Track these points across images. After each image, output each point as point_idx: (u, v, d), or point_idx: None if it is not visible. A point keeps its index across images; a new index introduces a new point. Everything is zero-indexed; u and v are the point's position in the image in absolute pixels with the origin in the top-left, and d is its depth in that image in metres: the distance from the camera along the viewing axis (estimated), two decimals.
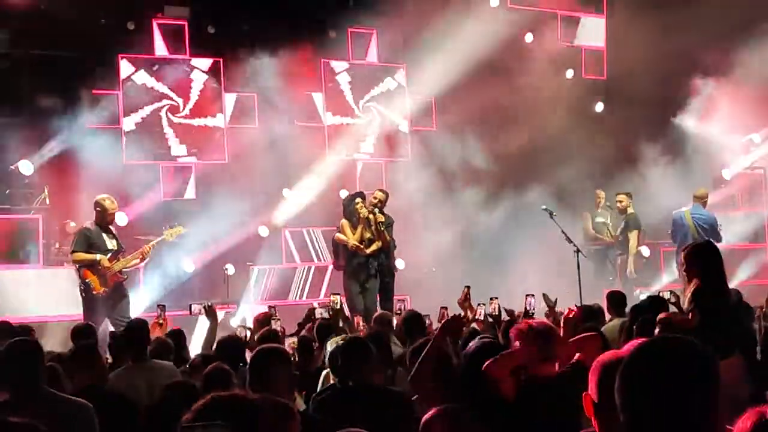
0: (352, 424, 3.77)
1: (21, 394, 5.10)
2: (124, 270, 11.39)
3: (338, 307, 9.65)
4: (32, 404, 4.88)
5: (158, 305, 9.95)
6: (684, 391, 2.24)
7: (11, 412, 3.95)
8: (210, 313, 9.00)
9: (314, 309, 9.97)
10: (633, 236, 15.25)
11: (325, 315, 9.72)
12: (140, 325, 7.76)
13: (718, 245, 8.41)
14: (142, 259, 11.69)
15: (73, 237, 11.65)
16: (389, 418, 4.77)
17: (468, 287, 10.32)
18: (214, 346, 7.71)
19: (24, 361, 5.21)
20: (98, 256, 11.15)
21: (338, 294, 10.20)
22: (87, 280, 11.14)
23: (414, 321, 8.65)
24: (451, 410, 4.52)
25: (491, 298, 9.81)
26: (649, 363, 2.30)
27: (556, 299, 10.02)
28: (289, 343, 8.69)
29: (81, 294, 11.28)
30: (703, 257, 6.89)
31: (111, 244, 11.35)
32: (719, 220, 15.21)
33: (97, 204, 11.41)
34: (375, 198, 13.08)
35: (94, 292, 11.10)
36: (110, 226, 11.50)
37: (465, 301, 10.07)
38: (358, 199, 12.99)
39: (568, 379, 4.45)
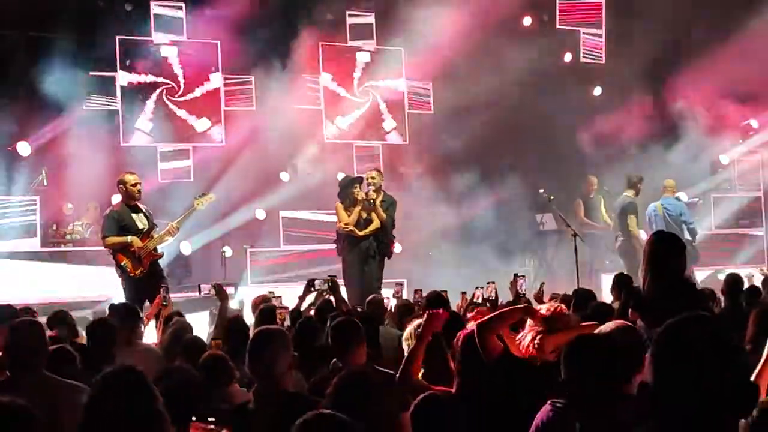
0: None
1: (20, 375, 5.11)
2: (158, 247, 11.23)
3: (329, 287, 9.61)
4: (31, 386, 4.89)
5: (161, 286, 9.91)
6: (708, 363, 2.46)
7: (8, 392, 3.95)
8: (220, 293, 8.99)
9: (314, 280, 9.94)
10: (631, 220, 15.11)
11: (324, 287, 9.73)
12: (130, 307, 7.76)
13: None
14: (173, 234, 11.44)
15: (103, 222, 11.48)
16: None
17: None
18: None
19: (23, 343, 5.22)
20: (129, 238, 10.93)
21: (334, 276, 10.15)
22: (122, 264, 10.95)
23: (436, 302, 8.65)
24: (440, 396, 4.53)
25: (488, 282, 9.82)
26: (679, 337, 2.53)
27: (543, 283, 10.05)
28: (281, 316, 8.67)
29: (119, 278, 11.12)
30: (651, 248, 6.77)
31: (141, 223, 11.11)
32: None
33: (119, 182, 11.21)
34: (372, 179, 13.03)
35: (131, 275, 10.93)
36: (138, 204, 11.29)
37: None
38: (357, 185, 12.93)
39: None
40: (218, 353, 6.33)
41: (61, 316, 8.28)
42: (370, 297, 10.10)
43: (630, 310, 6.73)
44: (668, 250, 6.65)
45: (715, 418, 2.43)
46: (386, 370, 5.66)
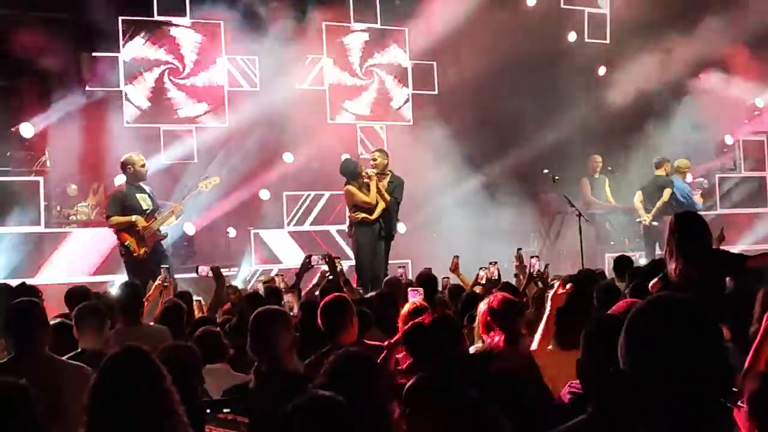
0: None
1: (20, 355, 5.10)
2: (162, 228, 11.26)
3: (326, 263, 9.60)
4: (34, 367, 4.88)
5: (162, 267, 9.91)
6: (683, 345, 2.34)
7: (10, 373, 3.95)
8: (217, 275, 9.00)
9: (311, 256, 9.94)
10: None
11: (321, 263, 9.72)
12: (132, 287, 7.75)
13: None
14: (177, 214, 11.48)
15: (107, 201, 11.52)
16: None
17: (457, 256, 10.35)
18: None
19: (22, 322, 5.20)
20: (134, 218, 11.00)
21: (337, 258, 10.11)
22: (126, 243, 11.02)
23: (426, 282, 8.69)
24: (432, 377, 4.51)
25: (491, 263, 9.83)
26: (650, 319, 2.41)
27: (547, 264, 10.04)
28: (287, 301, 8.71)
29: (122, 257, 11.20)
30: (674, 227, 6.69)
31: (146, 203, 11.19)
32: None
33: (126, 163, 11.28)
34: (374, 160, 12.98)
35: (134, 255, 10.99)
36: (143, 185, 11.36)
37: (455, 270, 10.14)
38: (361, 166, 12.88)
39: None
40: (212, 329, 6.34)
41: (81, 292, 8.26)
42: (387, 277, 10.09)
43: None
44: (699, 229, 6.60)
45: (694, 401, 2.33)
46: (378, 343, 5.66)
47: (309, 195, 15.32)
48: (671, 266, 6.51)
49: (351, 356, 4.19)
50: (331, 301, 6.01)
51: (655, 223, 14.37)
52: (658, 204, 14.55)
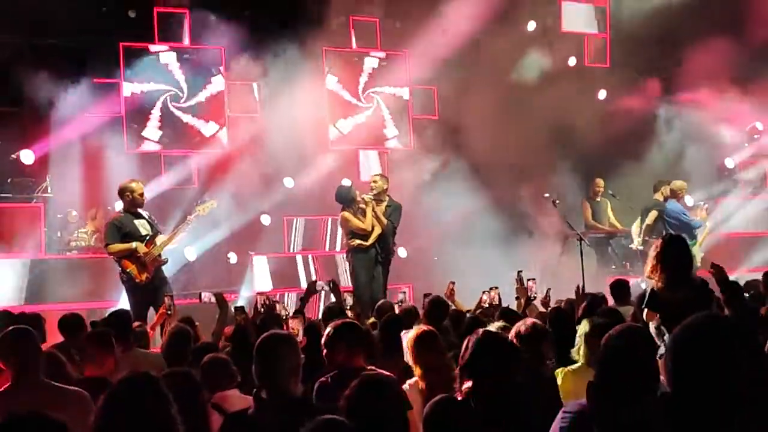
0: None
1: (18, 382, 5.07)
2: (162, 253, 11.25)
3: (331, 289, 9.60)
4: (32, 393, 4.85)
5: (166, 295, 9.90)
6: (726, 365, 2.41)
7: (9, 401, 3.93)
8: (220, 301, 8.97)
9: (315, 282, 9.95)
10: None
11: (326, 288, 9.74)
12: (122, 314, 7.73)
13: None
14: (176, 239, 11.51)
15: (104, 230, 11.50)
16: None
17: (452, 282, 10.34)
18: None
19: (20, 349, 5.18)
20: (134, 244, 10.98)
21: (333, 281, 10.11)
22: (128, 270, 10.99)
23: (438, 307, 8.62)
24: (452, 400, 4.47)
25: (491, 288, 9.82)
26: (696, 338, 2.47)
27: (549, 289, 10.01)
28: (292, 327, 8.69)
29: (123, 284, 11.18)
30: (660, 250, 6.88)
31: (144, 229, 11.17)
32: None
33: (124, 190, 11.24)
34: (374, 182, 13.01)
35: (137, 281, 10.97)
36: (141, 210, 11.34)
37: (450, 296, 10.12)
38: (357, 192, 12.92)
39: None
40: (220, 356, 6.30)
41: (74, 319, 8.21)
42: (379, 302, 10.06)
43: (646, 312, 6.76)
44: (680, 252, 6.76)
45: (740, 419, 2.37)
46: (385, 372, 5.63)
47: (309, 220, 15.29)
48: (653, 283, 6.82)
49: (375, 381, 4.15)
50: (342, 325, 5.98)
51: (640, 247, 14.48)
52: (643, 227, 14.74)
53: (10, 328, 5.46)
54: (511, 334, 5.50)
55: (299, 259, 14.91)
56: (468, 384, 4.53)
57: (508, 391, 4.40)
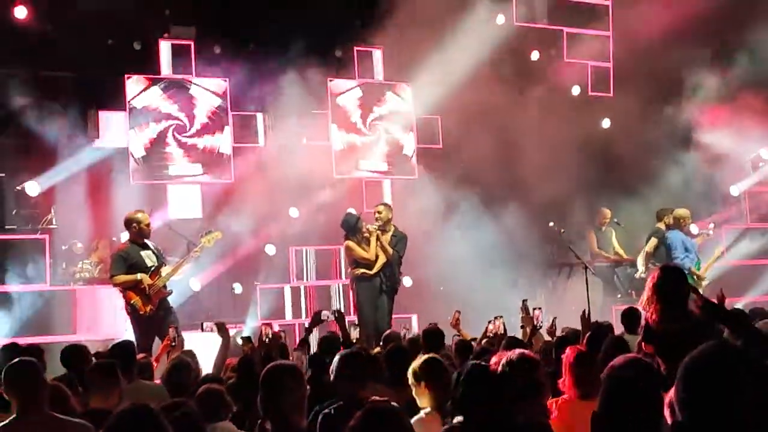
0: None
1: (22, 415, 5.06)
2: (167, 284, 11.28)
3: (336, 319, 9.57)
4: (37, 426, 4.84)
5: (170, 326, 9.89)
6: (733, 392, 2.45)
7: None
8: (222, 330, 8.96)
9: (320, 312, 9.93)
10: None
11: (331, 317, 9.73)
12: (125, 345, 7.71)
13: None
14: (181, 270, 11.54)
15: (111, 261, 11.54)
16: None
17: (458, 311, 10.31)
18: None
19: (23, 382, 5.17)
20: (139, 276, 11.04)
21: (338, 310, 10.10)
22: (132, 302, 11.04)
23: (433, 336, 8.63)
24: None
25: (495, 317, 9.78)
26: (704, 367, 2.52)
27: (555, 318, 9.97)
28: (296, 358, 8.67)
29: (128, 315, 11.20)
30: (656, 281, 6.78)
31: (150, 260, 11.23)
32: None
33: (131, 221, 11.30)
34: (379, 213, 13.02)
35: (141, 312, 11.01)
36: (147, 241, 11.38)
37: (456, 325, 10.10)
38: (363, 221, 12.94)
39: None
40: (215, 387, 6.28)
41: (77, 351, 8.19)
42: (386, 332, 10.03)
43: (642, 344, 6.70)
44: (676, 283, 6.68)
45: None
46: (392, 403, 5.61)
47: (314, 250, 15.27)
48: (647, 314, 6.68)
49: (381, 411, 4.12)
50: (349, 355, 5.96)
51: (642, 276, 14.47)
52: (641, 255, 14.74)
53: (15, 360, 5.46)
54: (501, 363, 5.44)
55: (302, 289, 14.88)
56: (459, 418, 4.54)
57: (501, 419, 4.40)
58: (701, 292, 7.08)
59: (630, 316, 9.63)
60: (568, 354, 5.84)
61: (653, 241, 14.66)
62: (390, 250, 12.69)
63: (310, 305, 14.54)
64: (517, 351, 5.49)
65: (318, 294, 14.84)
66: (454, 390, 4.62)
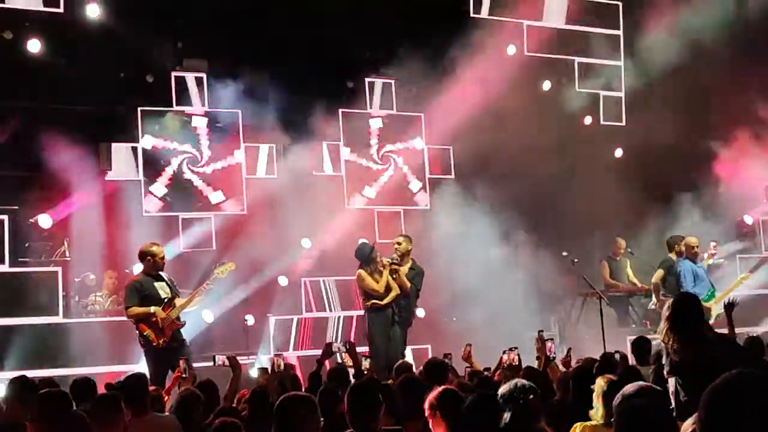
0: None
1: None
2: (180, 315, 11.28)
3: (347, 350, 9.56)
4: None
5: (181, 358, 9.86)
6: (760, 420, 2.43)
7: None
8: (233, 364, 8.94)
9: (331, 344, 9.91)
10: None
11: (343, 349, 9.70)
12: (138, 377, 7.69)
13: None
14: (195, 302, 11.52)
15: (125, 292, 11.55)
16: None
17: (469, 345, 10.25)
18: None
19: (57, 414, 5.19)
20: (152, 309, 11.06)
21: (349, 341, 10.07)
22: (145, 333, 11.05)
23: (435, 368, 8.56)
24: None
25: (510, 348, 9.72)
26: (729, 394, 2.50)
27: (570, 348, 9.92)
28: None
29: (142, 347, 11.22)
30: (670, 312, 6.71)
31: (164, 292, 11.24)
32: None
33: (146, 254, 11.34)
34: (399, 244, 12.98)
35: (154, 344, 11.01)
36: (161, 273, 11.41)
37: (468, 358, 10.04)
38: (377, 252, 12.89)
39: None
40: (230, 420, 6.24)
41: (86, 383, 8.17)
42: (397, 363, 9.97)
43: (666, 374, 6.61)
44: (690, 311, 6.61)
45: None
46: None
47: (327, 280, 15.22)
48: (666, 346, 6.58)
49: None
50: (363, 385, 5.90)
51: (652, 307, 14.39)
52: (651, 285, 14.68)
53: (44, 391, 5.47)
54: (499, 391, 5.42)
55: (316, 321, 14.82)
56: None
57: None
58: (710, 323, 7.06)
59: (639, 347, 9.57)
60: (600, 383, 5.79)
61: (659, 272, 14.55)
62: (407, 284, 12.66)
63: (324, 336, 14.47)
64: (516, 379, 5.49)
65: (314, 325, 14.76)
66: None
